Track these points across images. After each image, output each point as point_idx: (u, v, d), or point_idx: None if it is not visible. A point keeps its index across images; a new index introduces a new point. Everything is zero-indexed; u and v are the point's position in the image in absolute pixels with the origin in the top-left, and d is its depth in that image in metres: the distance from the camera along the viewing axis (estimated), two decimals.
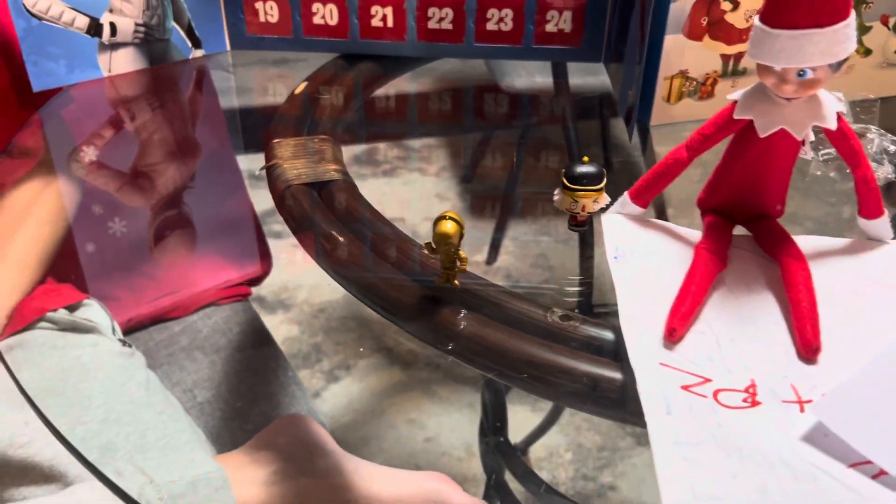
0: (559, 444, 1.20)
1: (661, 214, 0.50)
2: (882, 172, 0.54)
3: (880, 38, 0.62)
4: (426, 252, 0.41)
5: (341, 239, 0.47)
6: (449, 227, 0.40)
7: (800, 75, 0.38)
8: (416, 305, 0.43)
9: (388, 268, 0.45)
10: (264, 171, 0.56)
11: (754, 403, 0.35)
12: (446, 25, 0.71)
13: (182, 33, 0.71)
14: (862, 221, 0.45)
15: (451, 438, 1.20)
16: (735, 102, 0.42)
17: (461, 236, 0.40)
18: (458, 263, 0.42)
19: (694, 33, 0.57)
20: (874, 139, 0.56)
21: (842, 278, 0.43)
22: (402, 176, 1.02)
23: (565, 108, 0.81)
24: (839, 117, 0.41)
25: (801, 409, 0.34)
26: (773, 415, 0.34)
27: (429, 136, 0.87)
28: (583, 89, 0.80)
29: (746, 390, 0.36)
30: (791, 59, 0.37)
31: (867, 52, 0.62)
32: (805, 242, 0.45)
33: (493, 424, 0.85)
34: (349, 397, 1.25)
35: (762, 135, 0.41)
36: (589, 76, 0.78)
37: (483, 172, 0.84)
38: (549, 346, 0.39)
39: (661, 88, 0.58)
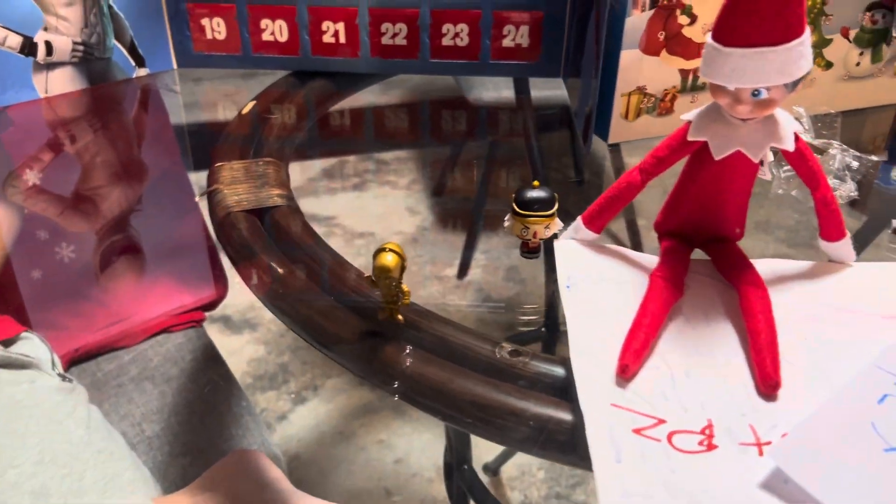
0: (531, 462, 1.18)
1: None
2: (844, 190, 0.52)
3: (841, 51, 0.60)
4: (367, 286, 0.39)
5: (279, 269, 0.44)
6: (389, 259, 0.37)
7: (754, 95, 0.36)
8: (356, 342, 0.40)
9: (330, 300, 0.43)
10: (206, 197, 0.53)
11: (710, 447, 0.32)
12: (400, 41, 0.69)
13: (124, 52, 0.68)
14: (823, 244, 0.43)
15: (422, 459, 1.17)
16: (689, 123, 0.40)
17: (403, 269, 0.38)
18: (401, 297, 0.39)
19: (651, 48, 0.55)
20: (836, 155, 0.54)
21: (803, 304, 0.41)
22: (372, 189, 0.99)
23: (527, 124, 0.79)
24: (797, 138, 0.39)
25: (760, 453, 0.32)
26: (730, 459, 0.32)
27: (398, 149, 0.85)
28: (548, 103, 0.78)
29: (703, 431, 0.33)
30: (744, 79, 0.36)
31: (828, 65, 0.61)
32: (765, 266, 0.43)
33: (456, 452, 0.82)
34: (317, 419, 1.22)
35: (717, 157, 0.39)
36: (558, 90, 0.76)
37: (454, 186, 0.82)
38: (496, 385, 0.37)
39: (618, 105, 0.57)
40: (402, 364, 0.38)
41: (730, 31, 0.35)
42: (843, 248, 0.43)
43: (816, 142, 0.57)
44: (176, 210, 0.77)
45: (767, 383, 0.35)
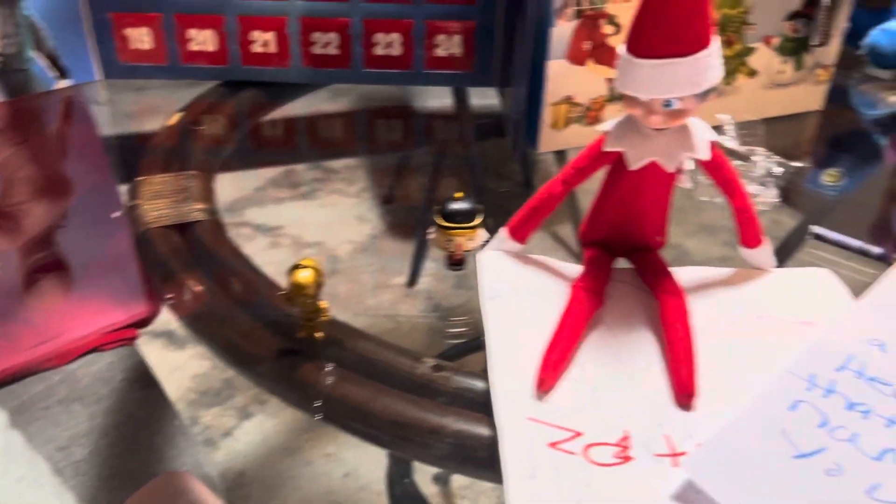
0: None
1: None
2: (768, 196, 0.53)
3: (765, 60, 0.62)
4: (283, 303, 0.38)
5: (197, 287, 0.43)
6: (304, 276, 0.36)
7: (666, 105, 0.36)
8: (276, 361, 0.39)
9: (249, 319, 0.42)
10: (128, 212, 0.52)
11: (626, 459, 0.32)
12: (332, 51, 0.68)
13: (45, 63, 0.66)
14: (743, 250, 0.44)
15: (371, 472, 1.15)
16: (606, 133, 0.40)
17: (319, 285, 0.37)
18: (319, 314, 0.39)
19: (577, 58, 0.55)
20: (760, 162, 0.55)
21: (723, 311, 0.41)
22: (320, 198, 0.98)
23: (465, 133, 0.79)
24: (712, 147, 0.40)
25: (674, 464, 0.32)
26: (644, 471, 0.32)
27: (347, 157, 0.84)
28: (485, 112, 0.78)
29: (619, 443, 0.33)
30: (655, 90, 0.36)
31: (753, 73, 0.62)
32: (686, 274, 0.43)
33: (396, 466, 0.81)
34: (263, 434, 1.19)
35: (632, 167, 0.39)
36: (495, 99, 0.76)
37: (404, 193, 0.81)
38: (416, 402, 0.36)
39: (548, 114, 0.57)
40: (322, 383, 0.38)
41: (640, 43, 0.35)
42: (762, 254, 0.44)
43: (741, 149, 0.58)
44: (104, 225, 0.75)
45: (683, 393, 0.35)
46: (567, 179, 0.41)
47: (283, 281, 0.42)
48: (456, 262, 0.45)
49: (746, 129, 0.58)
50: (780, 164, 0.56)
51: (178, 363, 1.37)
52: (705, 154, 0.39)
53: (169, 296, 0.44)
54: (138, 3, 0.65)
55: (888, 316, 0.40)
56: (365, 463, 1.26)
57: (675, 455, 0.33)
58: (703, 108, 0.62)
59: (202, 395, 1.28)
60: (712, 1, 0.35)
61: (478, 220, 0.43)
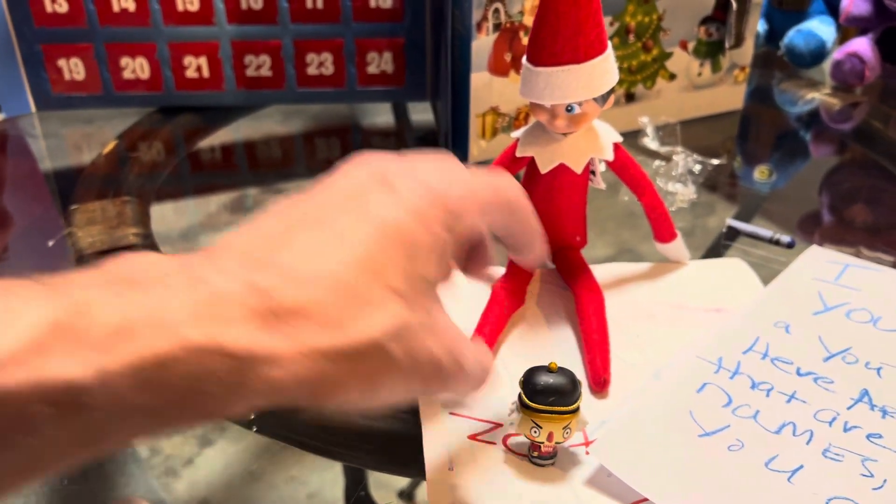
0: None
1: None
2: (686, 194, 0.55)
3: (682, 63, 0.64)
4: None
5: None
6: None
7: (568, 110, 0.38)
8: None
9: None
10: (61, 241, 0.52)
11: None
12: (265, 72, 0.69)
13: None
14: (658, 245, 0.46)
15: (335, 491, 1.16)
16: (517, 140, 0.42)
17: None
18: None
19: (499, 69, 0.57)
20: (679, 161, 0.57)
21: (639, 304, 0.43)
22: None
23: (404, 147, 0.81)
24: (617, 148, 0.42)
25: (587, 453, 0.34)
26: (561, 460, 0.33)
27: (298, 179, 0.84)
28: (422, 126, 0.80)
29: None
30: (554, 96, 0.38)
31: (672, 76, 0.64)
32: (605, 271, 0.45)
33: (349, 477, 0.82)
34: (225, 460, 1.19)
35: (543, 171, 0.41)
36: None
37: None
38: None
39: (475, 125, 0.58)
40: None
41: (538, 51, 0.37)
42: (676, 247, 0.46)
43: (662, 149, 0.60)
44: (45, 255, 0.75)
45: (597, 381, 0.37)
46: None
47: None
48: (544, 454, 0.33)
49: (664, 131, 0.61)
50: (699, 162, 0.58)
51: None
52: (609, 155, 0.41)
53: None
54: (69, 34, 0.65)
55: (793, 300, 0.42)
56: (329, 483, 1.26)
57: (588, 443, 0.34)
58: (625, 112, 0.64)
59: None
60: (601, 10, 0.37)
61: (577, 403, 0.32)
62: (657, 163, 0.58)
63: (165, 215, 0.59)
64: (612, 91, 0.39)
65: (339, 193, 0.25)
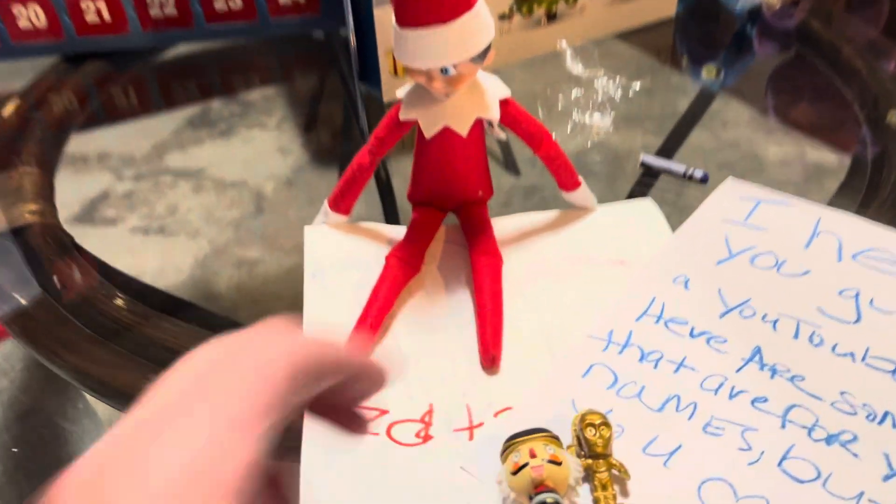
0: None
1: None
2: (603, 124, 0.53)
3: None
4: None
5: (23, 301, 0.43)
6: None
7: (444, 72, 0.36)
8: (103, 368, 0.39)
9: (88, 335, 0.41)
10: None
11: (426, 438, 0.33)
12: (170, 11, 0.65)
13: None
14: (564, 194, 0.44)
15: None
16: (401, 102, 0.39)
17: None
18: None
19: None
20: (599, 87, 0.55)
21: (541, 259, 0.42)
22: (240, 134, 0.96)
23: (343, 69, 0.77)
24: (507, 103, 0.39)
25: (471, 437, 0.33)
26: (442, 449, 0.33)
27: (264, 86, 0.81)
28: None
29: (422, 419, 0.34)
30: (425, 59, 0.35)
31: None
32: (508, 223, 0.44)
33: None
34: None
35: (428, 135, 0.39)
36: None
37: (323, 119, 0.79)
38: None
39: (384, 62, 0.55)
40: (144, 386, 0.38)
41: (403, 12, 0.34)
42: (582, 194, 0.44)
43: (585, 74, 0.57)
44: None
45: (486, 357, 0.36)
46: (372, 150, 0.41)
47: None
48: (538, 484, 0.29)
49: (581, 54, 0.58)
50: (620, 87, 0.55)
51: None
52: (495, 114, 0.38)
53: None
54: None
55: (697, 248, 0.41)
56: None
57: (472, 428, 0.34)
58: (547, 33, 0.60)
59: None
60: None
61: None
62: (575, 91, 0.55)
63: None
64: (489, 47, 0.36)
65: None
